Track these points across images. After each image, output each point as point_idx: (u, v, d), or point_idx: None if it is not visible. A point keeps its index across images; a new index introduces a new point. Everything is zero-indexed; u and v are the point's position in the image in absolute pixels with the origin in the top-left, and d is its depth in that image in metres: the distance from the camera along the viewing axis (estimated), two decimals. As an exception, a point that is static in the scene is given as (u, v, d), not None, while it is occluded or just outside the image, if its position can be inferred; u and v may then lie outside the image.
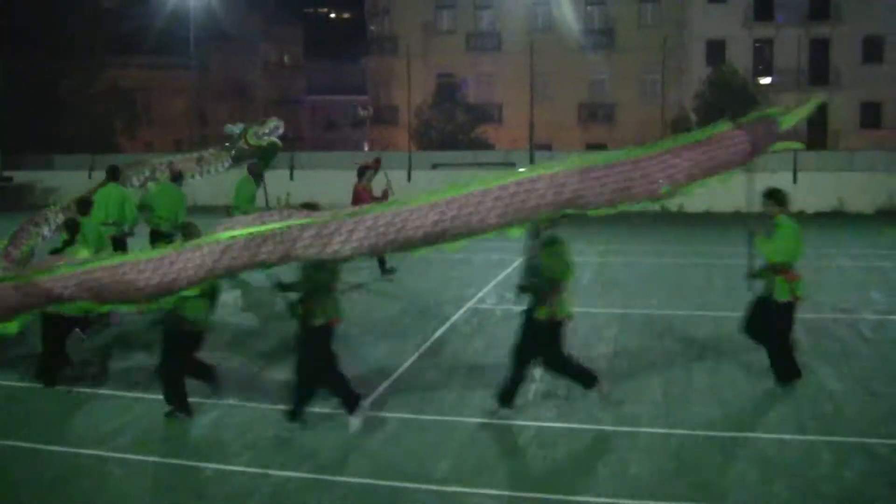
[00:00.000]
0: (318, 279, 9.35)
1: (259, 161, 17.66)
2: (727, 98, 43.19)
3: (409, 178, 33.11)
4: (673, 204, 31.55)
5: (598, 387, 9.96)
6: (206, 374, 10.61)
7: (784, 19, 51.38)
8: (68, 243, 11.95)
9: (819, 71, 51.60)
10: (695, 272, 19.74)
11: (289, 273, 9.65)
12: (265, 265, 9.20)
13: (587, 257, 21.23)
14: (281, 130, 17.21)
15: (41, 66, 47.16)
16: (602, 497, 7.88)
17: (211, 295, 9.91)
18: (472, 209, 8.95)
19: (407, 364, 12.13)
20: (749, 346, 12.99)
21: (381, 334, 13.87)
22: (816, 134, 50.15)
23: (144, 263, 9.26)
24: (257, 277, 13.31)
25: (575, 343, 13.03)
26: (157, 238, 16.29)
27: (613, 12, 55.72)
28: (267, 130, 16.97)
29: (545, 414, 10.08)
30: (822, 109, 50.82)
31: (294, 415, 9.61)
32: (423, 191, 9.59)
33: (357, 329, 14.30)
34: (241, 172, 18.19)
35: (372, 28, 63.33)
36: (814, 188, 31.76)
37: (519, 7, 55.54)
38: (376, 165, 18.38)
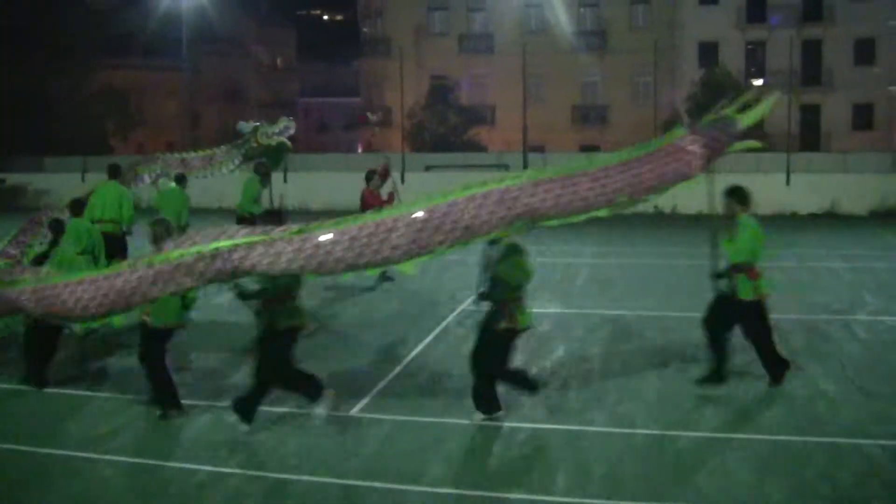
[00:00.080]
0: (281, 286, 9.37)
1: (267, 161, 17.58)
2: (720, 99, 43.21)
3: (402, 180, 33.10)
4: (667, 205, 31.59)
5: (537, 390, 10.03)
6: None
7: (777, 21, 51.48)
8: (54, 244, 11.92)
9: (811, 72, 51.72)
10: (689, 273, 19.72)
11: (251, 280, 9.59)
12: (215, 282, 9.18)
13: (581, 258, 21.26)
14: (291, 131, 17.13)
15: (34, 68, 47.08)
16: (596, 498, 7.87)
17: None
18: (420, 226, 8.89)
19: (401, 365, 12.13)
20: (743, 347, 13.02)
21: (376, 335, 13.86)
22: (809, 136, 50.28)
23: (89, 283, 9.26)
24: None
25: (570, 344, 13.07)
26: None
27: (606, 14, 55.80)
28: (277, 130, 16.89)
29: (538, 415, 10.08)
30: (814, 111, 51.02)
31: (248, 415, 9.56)
32: (402, 200, 9.55)
33: (352, 330, 14.31)
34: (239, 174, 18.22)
35: (365, 30, 63.35)
36: (807, 190, 31.84)
37: (511, 9, 55.58)
38: (384, 174, 18.36)
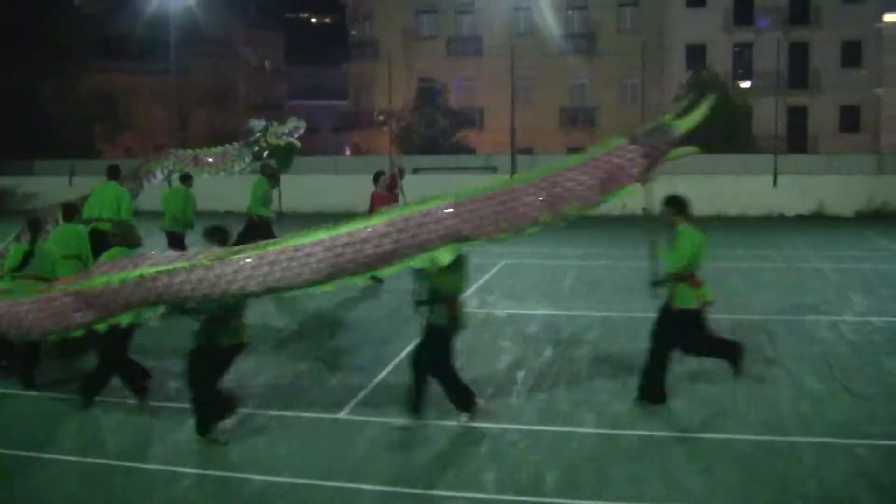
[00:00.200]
0: (229, 304, 9.27)
1: (276, 161, 17.52)
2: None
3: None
4: (654, 207, 31.59)
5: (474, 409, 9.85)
6: (139, 377, 10.70)
7: (766, 25, 51.65)
8: (33, 243, 11.90)
9: (798, 75, 51.91)
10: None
11: None
12: (143, 308, 9.22)
13: (569, 260, 21.30)
14: (301, 131, 17.05)
15: (22, 71, 46.95)
16: (584, 499, 7.88)
17: None
18: (340, 251, 8.85)
19: (389, 368, 12.11)
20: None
21: (363, 338, 13.86)
22: (796, 138, 50.47)
23: (30, 303, 9.37)
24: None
25: (559, 345, 13.10)
26: (171, 240, 17.36)
27: (593, 17, 55.94)
28: (287, 130, 16.80)
29: (527, 417, 10.09)
30: (801, 113, 51.20)
31: (204, 426, 9.46)
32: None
33: (339, 332, 14.31)
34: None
35: (353, 33, 63.40)
36: (794, 191, 31.96)
37: (499, 12, 55.66)
38: (399, 175, 18.36)
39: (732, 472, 8.42)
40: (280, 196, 17.27)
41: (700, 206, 32.88)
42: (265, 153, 16.99)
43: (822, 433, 9.47)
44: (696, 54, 52.42)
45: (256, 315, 14.91)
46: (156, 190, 19.30)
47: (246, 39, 72.50)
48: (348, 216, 9.75)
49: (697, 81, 45.42)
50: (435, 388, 11.14)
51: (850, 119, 52.37)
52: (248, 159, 17.27)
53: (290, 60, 79.03)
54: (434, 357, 9.74)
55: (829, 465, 8.57)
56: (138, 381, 10.65)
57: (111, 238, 10.93)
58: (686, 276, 10.12)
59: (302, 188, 31.10)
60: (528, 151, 42.73)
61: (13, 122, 45.06)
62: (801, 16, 52.38)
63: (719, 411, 10.27)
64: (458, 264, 9.42)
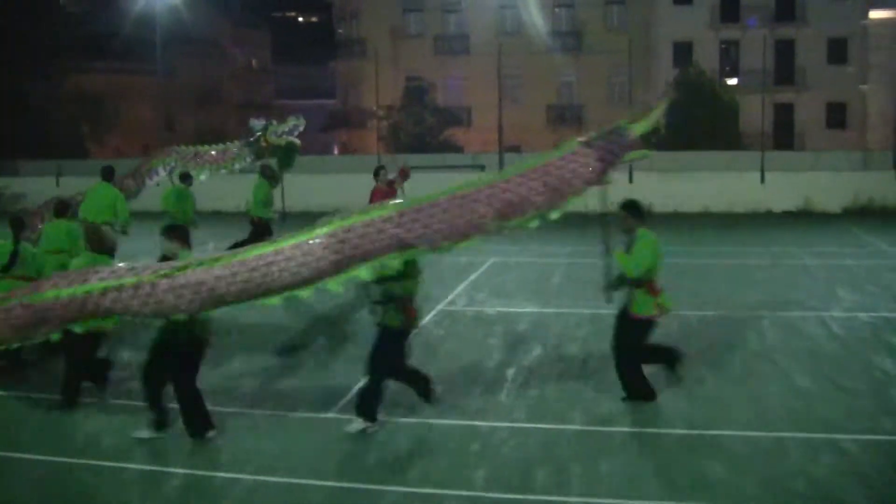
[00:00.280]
0: None
1: (277, 161, 17.48)
2: (694, 99, 43.47)
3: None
4: (611, 210, 31.68)
5: (370, 426, 9.64)
6: (102, 371, 10.84)
7: (754, 23, 51.78)
8: (17, 243, 11.90)
9: (785, 72, 52.05)
10: (665, 273, 19.81)
11: None
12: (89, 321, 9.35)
13: (557, 258, 21.32)
14: (301, 129, 17.00)
15: (8, 71, 46.77)
16: (574, 496, 7.91)
17: None
18: (301, 259, 8.93)
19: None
20: (716, 344, 13.14)
21: (353, 336, 13.84)
22: (783, 135, 50.63)
23: None
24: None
25: (548, 343, 13.12)
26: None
27: (581, 15, 55.98)
28: (287, 129, 16.74)
29: (517, 414, 10.11)
30: (788, 110, 51.34)
31: (161, 423, 9.56)
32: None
33: (328, 331, 14.30)
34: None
35: (340, 32, 63.31)
36: (781, 188, 32.05)
37: (486, 10, 55.69)
38: (403, 176, 18.35)
39: (721, 469, 8.45)
40: (283, 196, 17.16)
41: (688, 203, 33.15)
42: (267, 153, 16.98)
43: (810, 429, 9.51)
44: (682, 52, 52.51)
45: (246, 315, 14.92)
46: (156, 189, 19.36)
47: (233, 39, 72.30)
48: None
49: (684, 79, 45.56)
50: (433, 383, 11.17)
51: (836, 116, 52.54)
52: (249, 158, 17.26)
53: (277, 59, 78.87)
54: (387, 357, 9.68)
55: (817, 460, 8.61)
56: (101, 377, 10.73)
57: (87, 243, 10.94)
58: (644, 282, 10.04)
59: (290, 188, 31.00)
60: (515, 149, 42.76)
61: (-1, 122, 44.96)
62: (787, 13, 52.53)
63: (708, 408, 10.30)
64: (410, 268, 9.42)
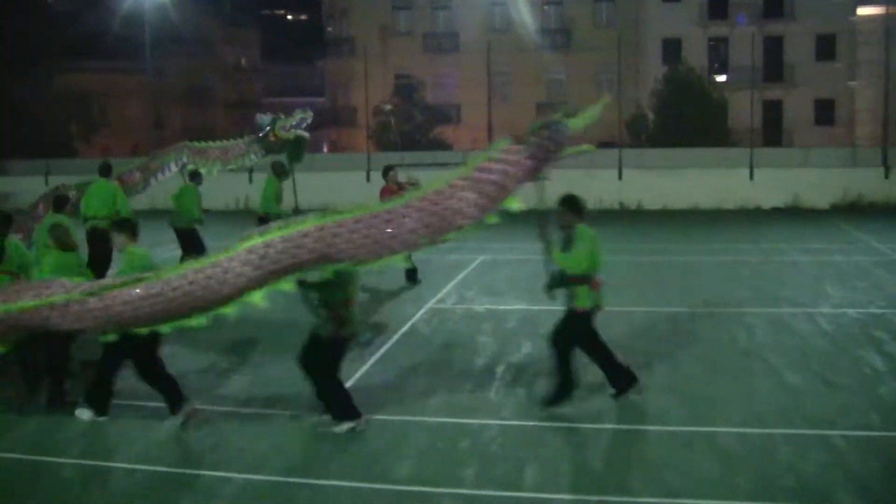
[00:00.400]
0: None
1: (287, 155, 17.44)
2: (683, 96, 43.52)
3: (368, 179, 33.13)
4: (631, 201, 31.77)
5: (357, 422, 9.58)
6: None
7: (744, 21, 51.84)
8: (3, 237, 11.88)
9: (773, 68, 52.13)
10: (653, 269, 19.89)
11: None
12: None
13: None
14: (308, 121, 16.92)
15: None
16: (563, 493, 7.90)
17: None
18: (222, 277, 9.04)
19: (368, 364, 12.12)
20: (706, 341, 13.16)
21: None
22: (772, 131, 50.72)
23: None
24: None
25: (537, 340, 13.11)
26: (181, 235, 17.78)
27: (570, 12, 56.00)
28: (294, 122, 16.68)
29: (507, 412, 10.11)
30: (776, 107, 51.43)
31: (103, 409, 9.96)
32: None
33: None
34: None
35: (329, 30, 63.23)
36: (770, 184, 32.13)
37: (476, 7, 55.68)
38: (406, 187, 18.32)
39: (712, 465, 8.46)
40: (295, 192, 17.10)
41: (677, 199, 33.22)
42: (276, 147, 16.95)
43: (799, 425, 9.53)
44: (671, 49, 52.57)
45: (236, 314, 14.89)
46: (161, 187, 19.44)
47: (222, 37, 72.11)
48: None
49: (673, 76, 45.60)
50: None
51: (824, 112, 52.65)
52: (259, 154, 17.24)
53: (267, 58, 78.72)
54: (318, 365, 9.59)
55: (806, 456, 8.62)
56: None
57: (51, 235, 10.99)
58: (586, 278, 9.90)
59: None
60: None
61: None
62: (775, 9, 52.62)
63: (698, 404, 10.31)
64: (341, 276, 9.34)
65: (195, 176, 18.35)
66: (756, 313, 14.81)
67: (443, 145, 49.01)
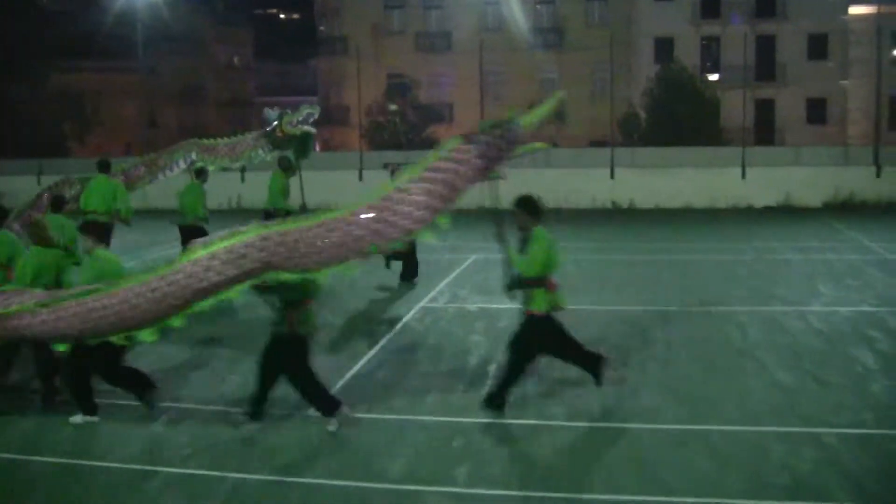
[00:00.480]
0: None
1: (294, 150, 17.43)
2: (676, 95, 43.55)
3: (360, 178, 33.14)
4: (623, 200, 31.77)
5: (341, 412, 9.58)
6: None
7: (737, 21, 51.90)
8: None
9: (765, 67, 52.20)
10: (642, 268, 19.90)
11: None
12: None
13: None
14: (315, 117, 16.91)
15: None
16: (556, 492, 7.91)
17: None
18: (168, 289, 9.11)
19: (361, 363, 12.13)
20: (698, 339, 13.18)
21: (335, 334, 13.84)
22: (764, 130, 50.80)
23: None
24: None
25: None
26: (185, 233, 17.57)
27: (562, 11, 56.00)
28: (301, 118, 16.66)
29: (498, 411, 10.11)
30: (768, 106, 51.50)
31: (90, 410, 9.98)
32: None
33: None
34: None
35: (321, 29, 63.14)
36: (762, 183, 32.17)
37: (468, 7, 55.64)
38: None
39: (705, 463, 8.48)
40: (302, 188, 17.07)
41: (669, 198, 33.23)
42: (283, 143, 16.94)
43: (792, 423, 9.55)
44: (664, 48, 52.61)
45: (229, 314, 14.90)
46: (153, 187, 19.47)
47: (214, 36, 71.96)
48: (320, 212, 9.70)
49: (666, 75, 45.63)
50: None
51: (816, 111, 52.73)
52: (267, 149, 17.25)
53: (259, 57, 78.61)
54: (284, 365, 9.55)
55: (799, 454, 8.64)
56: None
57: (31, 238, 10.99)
58: (542, 281, 9.69)
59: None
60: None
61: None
62: (767, 9, 52.70)
63: (691, 403, 10.32)
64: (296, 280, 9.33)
65: (200, 174, 18.33)
66: (749, 312, 14.83)
67: (436, 144, 48.90)
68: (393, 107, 49.06)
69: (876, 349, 12.41)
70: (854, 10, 51.10)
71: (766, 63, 52.34)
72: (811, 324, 13.96)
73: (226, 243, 9.10)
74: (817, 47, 52.64)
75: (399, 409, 10.23)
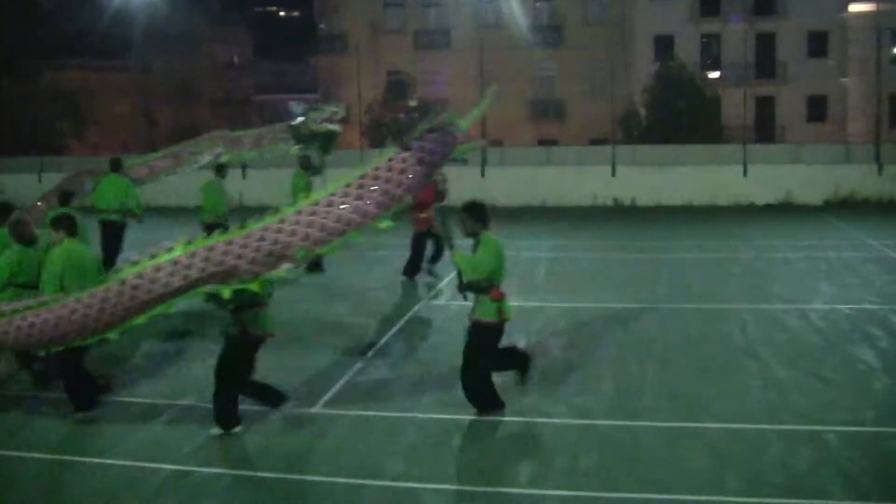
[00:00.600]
0: None
1: (316, 147, 17.38)
2: (676, 93, 43.49)
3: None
4: (625, 198, 31.76)
5: (284, 405, 9.64)
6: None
7: (731, 14, 51.88)
8: None
9: (766, 65, 52.20)
10: (642, 266, 19.90)
11: None
12: None
13: (537, 252, 21.32)
14: (339, 116, 16.83)
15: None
16: (554, 490, 7.90)
17: None
18: (101, 305, 9.15)
19: (362, 362, 12.10)
20: (698, 337, 13.17)
21: (336, 332, 13.84)
22: (764, 128, 50.80)
23: None
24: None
25: (528, 337, 13.11)
26: (208, 231, 17.33)
27: (561, 9, 55.94)
28: (325, 115, 16.60)
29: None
30: (769, 103, 51.49)
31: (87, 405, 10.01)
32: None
33: (311, 328, 14.26)
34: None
35: (321, 27, 63.12)
36: (763, 181, 32.20)
37: (467, 4, 55.63)
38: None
39: (702, 462, 8.46)
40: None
41: (670, 196, 33.21)
42: (307, 138, 16.93)
43: (790, 421, 9.54)
44: (663, 46, 52.57)
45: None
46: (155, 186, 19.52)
47: (212, 34, 71.99)
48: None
49: (665, 73, 45.60)
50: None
51: (817, 109, 52.73)
52: (290, 144, 17.26)
53: (258, 55, 78.61)
54: (229, 366, 9.46)
55: (797, 452, 8.63)
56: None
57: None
58: (486, 287, 9.57)
59: (271, 182, 30.95)
60: (497, 144, 42.73)
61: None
62: (767, 6, 52.67)
63: (688, 401, 10.31)
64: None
65: (220, 170, 18.31)
66: (748, 310, 14.81)
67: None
68: (413, 102, 48.87)
69: (876, 347, 12.40)
70: (853, 7, 51.09)
71: (766, 61, 52.35)
72: (811, 321, 13.95)
73: (153, 262, 9.09)
74: (817, 45, 52.63)
75: (398, 406, 10.22)
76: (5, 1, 48.67)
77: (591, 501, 7.72)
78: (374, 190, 9.40)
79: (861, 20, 50.31)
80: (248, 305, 9.30)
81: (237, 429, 9.40)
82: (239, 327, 9.34)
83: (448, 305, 15.69)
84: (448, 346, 12.77)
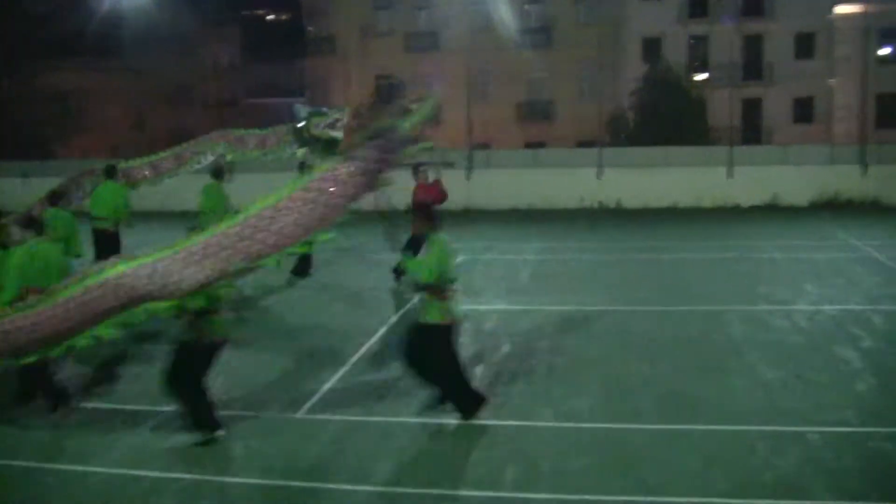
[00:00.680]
0: None
1: (317, 152, 17.38)
2: (663, 95, 43.60)
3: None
4: (611, 200, 31.81)
5: (217, 433, 9.41)
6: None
7: (722, 15, 51.97)
8: None
9: (753, 66, 52.31)
10: (629, 268, 19.94)
11: None
12: None
13: (525, 255, 21.36)
14: (342, 123, 16.87)
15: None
16: (543, 493, 7.93)
17: None
18: (65, 314, 9.11)
19: (348, 365, 12.12)
20: (684, 338, 13.22)
21: (321, 337, 13.84)
22: (751, 129, 50.92)
23: None
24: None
25: (515, 340, 13.14)
26: None
27: (550, 11, 56.00)
28: (329, 121, 16.65)
29: (485, 412, 10.07)
30: (755, 105, 51.61)
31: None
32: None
33: (296, 332, 14.27)
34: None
35: (310, 29, 63.09)
36: (749, 182, 32.29)
37: (456, 7, 55.62)
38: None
39: (689, 463, 8.51)
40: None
41: (656, 198, 33.23)
42: (311, 142, 16.90)
43: (776, 422, 9.59)
44: (652, 47, 52.66)
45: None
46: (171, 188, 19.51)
47: (202, 37, 71.85)
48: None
49: (653, 75, 45.71)
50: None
51: (803, 110, 52.86)
52: (294, 146, 17.23)
53: (247, 57, 78.48)
54: (181, 372, 9.38)
55: (783, 452, 8.68)
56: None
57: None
58: (436, 288, 9.56)
59: (259, 186, 31.00)
60: (485, 146, 42.77)
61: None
62: (755, 8, 52.80)
63: (674, 403, 10.35)
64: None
65: (218, 173, 18.18)
66: (734, 311, 14.87)
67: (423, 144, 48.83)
68: (413, 106, 48.86)
69: (861, 347, 12.47)
70: (840, 9, 51.24)
71: (753, 62, 52.46)
72: (796, 322, 14.01)
73: (120, 268, 9.04)
74: (804, 46, 52.76)
75: (386, 412, 10.23)
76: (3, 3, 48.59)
77: (577, 504, 7.77)
78: (312, 203, 9.32)
79: (848, 21, 50.46)
80: (202, 312, 9.26)
81: (221, 432, 9.38)
82: (194, 333, 9.30)
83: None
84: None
